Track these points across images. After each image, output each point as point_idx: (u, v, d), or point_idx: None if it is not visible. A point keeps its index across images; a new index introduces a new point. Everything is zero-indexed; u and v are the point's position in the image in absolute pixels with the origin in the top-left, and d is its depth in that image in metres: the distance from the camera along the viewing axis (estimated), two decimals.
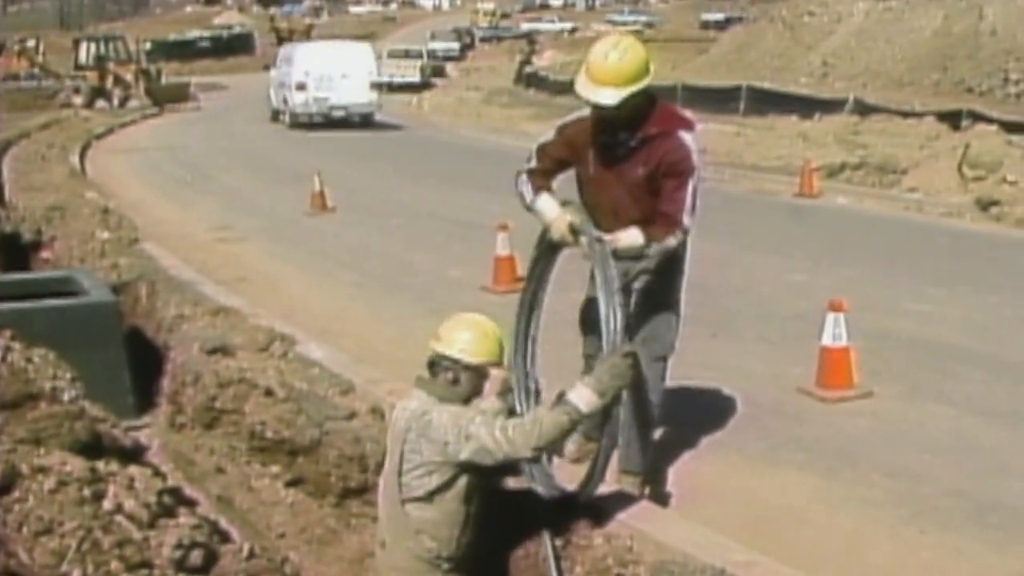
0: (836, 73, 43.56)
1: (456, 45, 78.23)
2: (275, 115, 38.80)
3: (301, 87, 36.28)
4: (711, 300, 11.94)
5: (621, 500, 6.81)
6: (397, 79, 55.81)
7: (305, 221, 18.41)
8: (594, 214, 6.72)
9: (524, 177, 6.97)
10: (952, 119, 26.35)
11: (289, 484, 8.18)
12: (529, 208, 6.92)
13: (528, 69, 56.86)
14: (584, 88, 6.45)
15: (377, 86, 38.54)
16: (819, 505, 7.02)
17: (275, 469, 8.29)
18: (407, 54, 59.90)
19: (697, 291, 12.25)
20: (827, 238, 16.43)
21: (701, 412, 8.56)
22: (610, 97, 6.36)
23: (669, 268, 6.89)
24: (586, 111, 6.69)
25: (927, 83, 38.06)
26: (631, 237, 6.57)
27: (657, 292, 6.89)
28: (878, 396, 8.81)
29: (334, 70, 36.34)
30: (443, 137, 34.87)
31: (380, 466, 8.07)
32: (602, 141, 6.67)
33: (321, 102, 36.16)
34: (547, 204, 6.77)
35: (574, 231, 6.56)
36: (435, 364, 6.00)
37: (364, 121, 36.47)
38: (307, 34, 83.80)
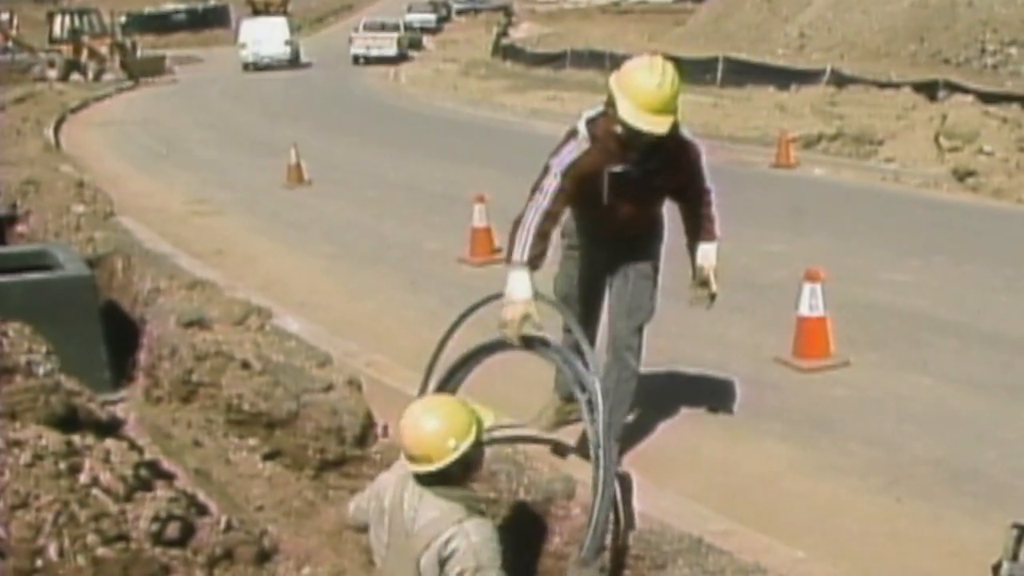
0: (813, 44, 43.46)
1: (433, 17, 77.84)
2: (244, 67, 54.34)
3: (243, 46, 55.58)
4: (688, 271, 11.96)
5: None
6: (374, 52, 55.62)
7: (281, 194, 18.37)
8: (599, 230, 6.91)
9: (533, 226, 6.52)
10: (929, 90, 26.37)
11: (266, 457, 8.18)
12: (507, 262, 6.71)
13: (505, 41, 56.62)
14: (641, 120, 6.21)
15: (289, 43, 56.14)
16: (796, 474, 7.05)
17: (252, 442, 8.29)
18: (383, 27, 59.57)
19: (674, 262, 12.28)
20: (804, 208, 16.43)
21: (678, 382, 8.59)
22: (666, 125, 6.27)
23: (652, 239, 7.05)
24: (582, 139, 6.51)
25: (904, 54, 38.00)
26: (714, 257, 7.16)
27: (641, 262, 7.00)
28: (855, 365, 8.83)
29: (261, 35, 55.71)
30: (420, 109, 34.76)
31: (357, 438, 8.14)
32: (626, 168, 6.51)
33: (254, 54, 54.78)
34: (524, 284, 6.55)
35: (526, 340, 6.57)
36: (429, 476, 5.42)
37: (279, 64, 53.67)
38: (283, 6, 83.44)
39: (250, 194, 18.38)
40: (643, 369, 7.90)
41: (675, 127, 6.38)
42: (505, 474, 6.90)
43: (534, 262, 6.50)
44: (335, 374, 8.79)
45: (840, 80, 30.57)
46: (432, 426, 5.30)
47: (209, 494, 7.14)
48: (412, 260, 13.02)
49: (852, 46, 41.08)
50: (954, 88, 25.07)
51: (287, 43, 56.05)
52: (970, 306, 10.61)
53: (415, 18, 72.99)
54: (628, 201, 6.67)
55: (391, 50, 56.11)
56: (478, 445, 5.47)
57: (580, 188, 6.55)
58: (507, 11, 78.07)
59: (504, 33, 60.96)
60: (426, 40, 67.25)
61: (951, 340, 9.54)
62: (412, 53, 59.40)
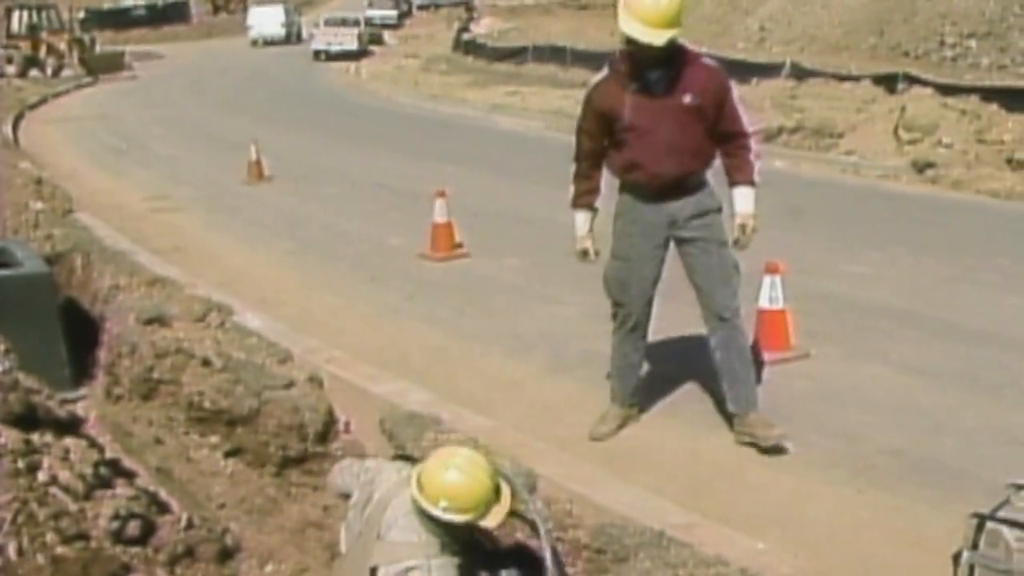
0: (773, 38, 43.51)
1: (394, 12, 77.54)
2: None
3: (250, 28, 67.62)
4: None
5: (559, 464, 6.86)
6: (335, 47, 55.42)
7: (242, 190, 18.29)
8: (645, 161, 7.00)
9: (571, 173, 7.40)
10: (888, 82, 26.42)
11: (228, 454, 8.17)
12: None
13: (466, 36, 56.51)
14: (638, 31, 6.64)
15: (285, 25, 67.44)
16: (757, 466, 7.06)
17: (214, 439, 8.28)
18: (344, 22, 59.36)
19: None
20: (764, 201, 16.46)
21: (639, 375, 8.59)
22: (664, 37, 6.63)
23: (706, 195, 7.30)
24: (599, 75, 7.15)
25: (864, 47, 38.08)
26: (748, 204, 7.34)
27: (711, 228, 7.28)
28: (815, 357, 8.86)
29: (264, 20, 67.66)
30: (381, 105, 34.70)
31: (319, 435, 8.14)
32: (639, 85, 6.89)
33: (259, 35, 66.71)
34: (580, 221, 7.46)
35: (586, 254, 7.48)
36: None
37: (276, 41, 65.40)
38: (243, 1, 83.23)
39: (210, 191, 18.29)
40: (603, 362, 7.94)
41: (673, 41, 6.72)
42: None
43: (583, 200, 7.37)
44: (296, 371, 8.78)
45: (800, 73, 30.62)
46: (468, 484, 5.19)
47: (170, 492, 7.11)
48: (373, 256, 12.99)
49: (812, 39, 41.19)
50: (913, 81, 25.12)
51: (283, 25, 67.28)
52: (929, 297, 10.67)
53: (376, 13, 72.72)
54: (662, 123, 6.90)
55: (352, 45, 55.90)
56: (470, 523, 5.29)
57: (608, 118, 7.03)
58: (468, 6, 77.85)
59: (465, 28, 60.78)
60: (387, 35, 67.08)
61: (911, 331, 9.59)
62: (373, 48, 59.23)
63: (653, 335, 8.96)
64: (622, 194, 7.26)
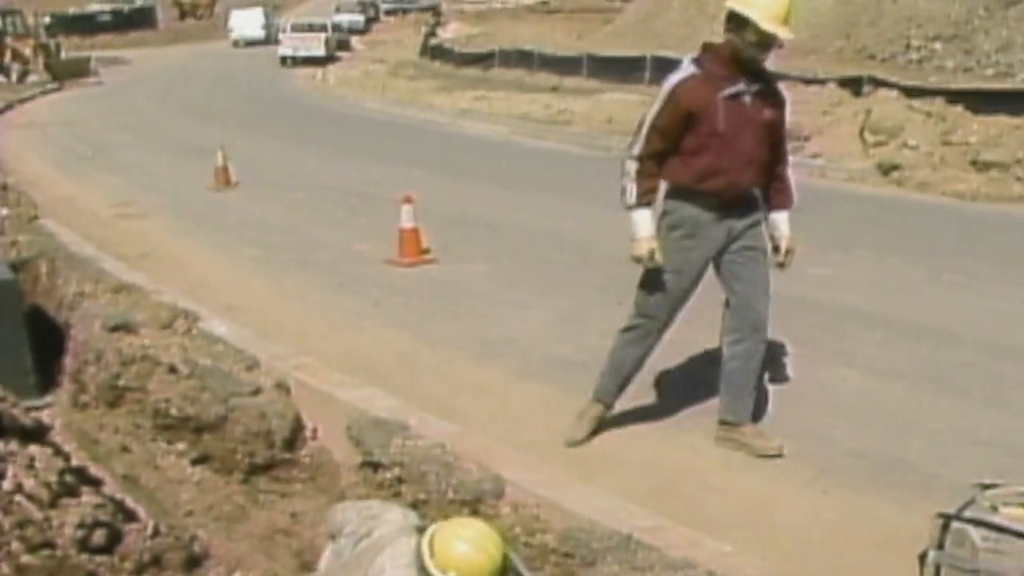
0: None
1: (361, 18, 77.49)
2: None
3: (231, 30, 71.48)
4: (616, 268, 11.96)
5: (526, 469, 6.86)
6: (301, 52, 55.35)
7: (208, 196, 18.21)
8: (727, 168, 6.81)
9: (632, 170, 6.90)
10: (854, 85, 26.52)
11: (195, 462, 8.15)
12: (626, 208, 6.98)
13: (433, 41, 56.50)
14: (774, 28, 6.54)
15: (264, 27, 70.20)
16: (724, 469, 7.07)
17: (181, 447, 8.26)
18: (311, 27, 59.31)
19: (600, 260, 12.41)
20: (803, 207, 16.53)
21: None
22: (788, 34, 6.64)
23: (758, 209, 7.18)
24: (684, 72, 6.81)
25: (830, 50, 38.20)
26: (788, 228, 7.28)
27: (758, 239, 7.19)
28: (781, 360, 8.89)
29: (244, 23, 71.44)
30: (348, 110, 34.66)
31: (287, 441, 8.13)
32: (735, 90, 6.71)
33: (240, 36, 70.43)
34: (644, 221, 6.92)
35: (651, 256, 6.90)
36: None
37: (257, 41, 67.79)
38: (210, 7, 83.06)
39: (176, 197, 18.18)
40: (569, 367, 7.95)
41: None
42: (434, 474, 6.90)
43: (647, 198, 6.89)
44: (263, 377, 8.76)
45: None
46: (480, 561, 5.13)
47: (137, 500, 7.11)
48: (340, 262, 12.96)
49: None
50: (879, 83, 25.22)
51: (263, 27, 70.43)
52: (895, 299, 10.72)
53: (343, 18, 72.76)
54: (746, 132, 6.77)
55: (319, 51, 55.83)
56: None
57: (689, 119, 6.73)
58: (436, 11, 77.80)
59: (432, 33, 60.78)
60: (354, 41, 67.05)
61: (876, 332, 9.63)
62: (340, 54, 59.17)
63: (610, 338, 9.00)
64: (682, 205, 6.95)
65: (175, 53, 64.03)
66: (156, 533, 6.01)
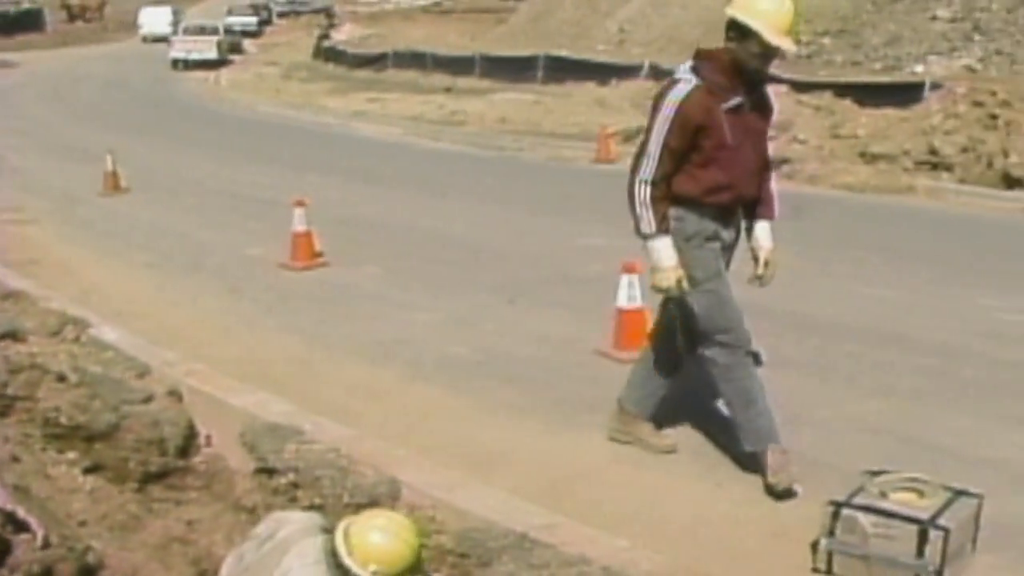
0: (633, 39, 43.91)
1: (254, 20, 76.86)
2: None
3: (141, 27, 73.51)
4: (508, 267, 12.10)
5: (421, 470, 6.85)
6: (193, 56, 54.72)
7: (98, 201, 17.94)
8: (734, 182, 6.52)
9: (646, 195, 6.48)
10: None
11: (87, 471, 8.01)
12: (642, 237, 6.58)
13: (326, 43, 56.26)
14: (779, 40, 6.21)
15: (172, 24, 67.44)
16: (619, 464, 7.10)
17: (72, 455, 8.12)
18: (203, 30, 58.72)
19: (493, 260, 12.44)
20: (623, 201, 16.60)
21: (499, 379, 8.63)
22: (793, 45, 6.45)
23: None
24: (686, 84, 6.36)
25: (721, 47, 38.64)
26: (771, 240, 6.97)
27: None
28: None
29: (153, 21, 72.85)
30: (241, 114, 34.41)
31: (180, 449, 8.04)
32: (738, 101, 6.37)
33: (149, 33, 71.46)
34: (667, 250, 6.49)
35: (679, 284, 6.51)
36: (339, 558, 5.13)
37: (164, 38, 62.67)
38: (100, 10, 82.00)
39: (65, 202, 17.91)
40: (462, 367, 7.95)
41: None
42: (329, 479, 6.86)
43: (665, 224, 6.47)
44: (155, 384, 8.65)
45: (659, 74, 30.86)
46: (400, 551, 5.12)
47: (29, 510, 6.99)
48: (232, 267, 12.86)
49: (671, 40, 41.61)
50: (769, 78, 25.58)
51: (170, 24, 68.37)
52: (784, 291, 10.69)
53: (235, 21, 72.12)
54: (747, 144, 6.48)
55: (211, 54, 55.23)
56: None
57: (697, 134, 6.35)
58: (329, 13, 77.38)
59: (326, 35, 60.51)
60: (247, 43, 66.54)
61: (766, 324, 9.65)
62: (233, 57, 58.64)
63: (503, 337, 9.05)
64: (687, 213, 6.54)
65: (64, 56, 62.91)
66: (46, 544, 5.91)
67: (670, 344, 7.03)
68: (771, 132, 7.09)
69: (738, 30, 6.29)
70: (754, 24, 6.19)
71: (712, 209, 6.56)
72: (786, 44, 6.28)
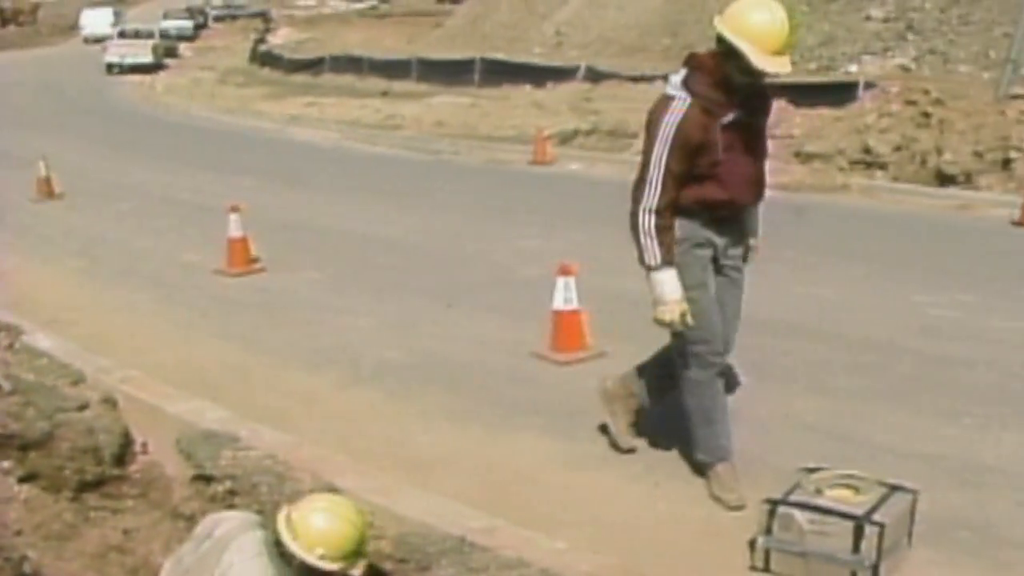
0: (570, 42, 44.06)
1: (189, 24, 76.45)
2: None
3: (83, 28, 76.15)
4: (446, 271, 12.09)
5: (358, 476, 6.83)
6: (128, 60, 54.36)
7: (31, 208, 17.77)
8: (730, 195, 6.25)
9: (651, 224, 6.19)
10: None
11: (22, 480, 7.94)
12: (647, 268, 6.29)
13: (263, 48, 56.11)
14: (768, 63, 5.82)
15: (113, 24, 68.52)
16: (557, 466, 7.10)
17: (6, 464, 8.03)
18: (137, 34, 58.37)
19: (430, 264, 12.42)
20: (560, 204, 16.68)
21: (437, 383, 8.62)
22: (787, 65, 5.91)
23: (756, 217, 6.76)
24: (680, 102, 6.03)
25: (657, 48, 38.75)
26: (759, 228, 6.73)
27: (739, 259, 6.71)
28: (611, 356, 8.91)
29: (94, 22, 75.16)
30: (177, 119, 34.18)
31: (116, 457, 7.97)
32: (734, 116, 6.06)
33: (91, 34, 72.82)
34: (672, 282, 6.22)
35: (684, 317, 6.24)
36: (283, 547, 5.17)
37: (105, 38, 61.81)
38: (32, 13, 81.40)
39: None
40: (400, 372, 7.92)
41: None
42: (266, 485, 6.83)
43: (671, 255, 6.20)
44: (89, 392, 8.58)
45: (595, 76, 31.12)
46: (345, 532, 5.11)
47: None
48: (168, 273, 12.79)
49: (608, 42, 41.79)
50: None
51: (111, 25, 68.78)
52: None
53: (171, 25, 71.72)
54: (745, 152, 6.20)
55: (146, 58, 54.90)
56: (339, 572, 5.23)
57: (693, 154, 6.06)
58: (265, 17, 77.23)
59: (262, 40, 60.33)
60: (183, 48, 66.18)
61: None
62: (169, 61, 58.29)
63: (440, 341, 9.03)
64: (681, 219, 6.27)
65: None
66: None
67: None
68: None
69: (726, 44, 5.94)
70: (741, 45, 5.83)
71: (705, 217, 6.31)
72: (777, 67, 5.88)
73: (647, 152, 6.14)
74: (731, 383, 7.05)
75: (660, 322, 6.35)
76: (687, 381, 6.62)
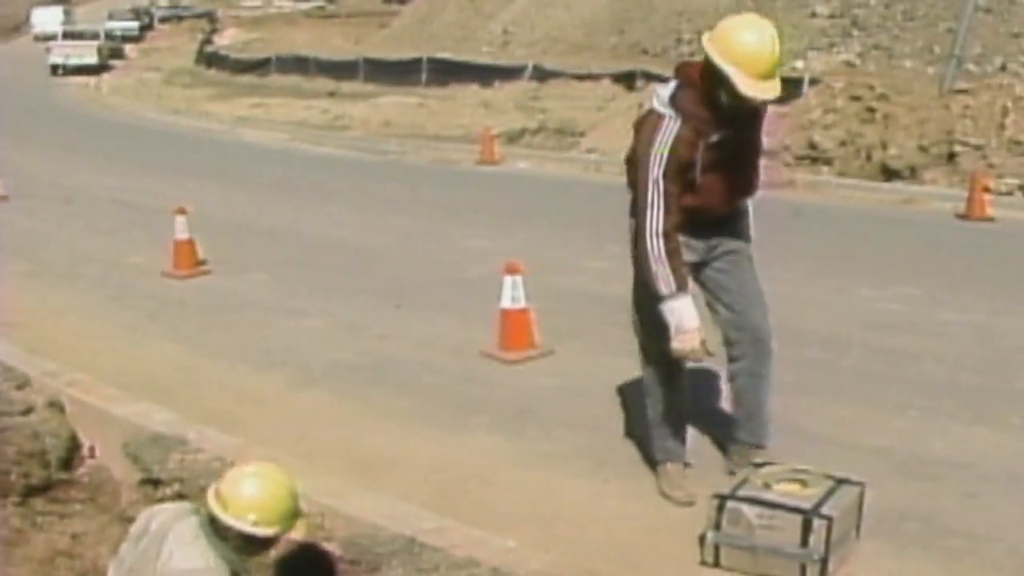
0: (517, 41, 44.13)
1: (135, 25, 75.98)
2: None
3: (33, 26, 76.03)
4: (393, 272, 12.08)
5: (308, 477, 6.79)
6: (73, 61, 54.03)
7: None
8: (712, 205, 6.09)
9: (661, 248, 5.96)
10: (627, 80, 27.10)
11: None
12: (659, 298, 6.01)
13: (209, 48, 55.91)
14: (753, 89, 5.63)
15: (63, 23, 68.41)
16: (507, 465, 7.09)
17: None
18: (82, 35, 58.00)
19: (379, 264, 12.39)
20: (508, 203, 16.70)
21: (387, 383, 8.61)
22: (778, 88, 5.73)
23: (746, 214, 6.53)
24: (671, 121, 5.87)
25: (605, 47, 38.88)
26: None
27: (744, 241, 6.47)
28: (559, 354, 8.98)
29: (46, 20, 73.83)
30: (123, 120, 34.00)
31: (63, 461, 7.92)
32: (722, 135, 5.86)
33: (42, 32, 70.50)
34: (688, 309, 5.93)
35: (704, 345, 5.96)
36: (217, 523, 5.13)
37: (55, 36, 59.77)
38: None
39: None
40: (350, 373, 7.89)
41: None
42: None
43: (685, 281, 5.98)
44: (35, 395, 8.53)
45: (542, 75, 31.20)
46: (275, 494, 5.10)
47: None
48: (114, 275, 12.70)
49: (555, 41, 41.89)
50: (651, 77, 25.75)
51: (62, 24, 67.94)
52: None
53: (116, 26, 71.29)
54: (731, 164, 6.00)
55: (91, 59, 54.59)
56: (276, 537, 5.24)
57: (687, 167, 5.90)
58: (211, 18, 76.87)
59: (208, 40, 60.13)
60: (129, 48, 65.82)
61: None
62: (114, 62, 57.95)
63: (388, 342, 9.02)
64: None
65: None
66: None
67: (749, 364, 6.54)
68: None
69: (713, 67, 5.74)
70: (727, 68, 5.64)
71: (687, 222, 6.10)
72: (762, 93, 5.70)
73: (642, 175, 5.98)
74: (761, 374, 6.56)
75: (680, 353, 6.04)
76: (646, 378, 6.63)
